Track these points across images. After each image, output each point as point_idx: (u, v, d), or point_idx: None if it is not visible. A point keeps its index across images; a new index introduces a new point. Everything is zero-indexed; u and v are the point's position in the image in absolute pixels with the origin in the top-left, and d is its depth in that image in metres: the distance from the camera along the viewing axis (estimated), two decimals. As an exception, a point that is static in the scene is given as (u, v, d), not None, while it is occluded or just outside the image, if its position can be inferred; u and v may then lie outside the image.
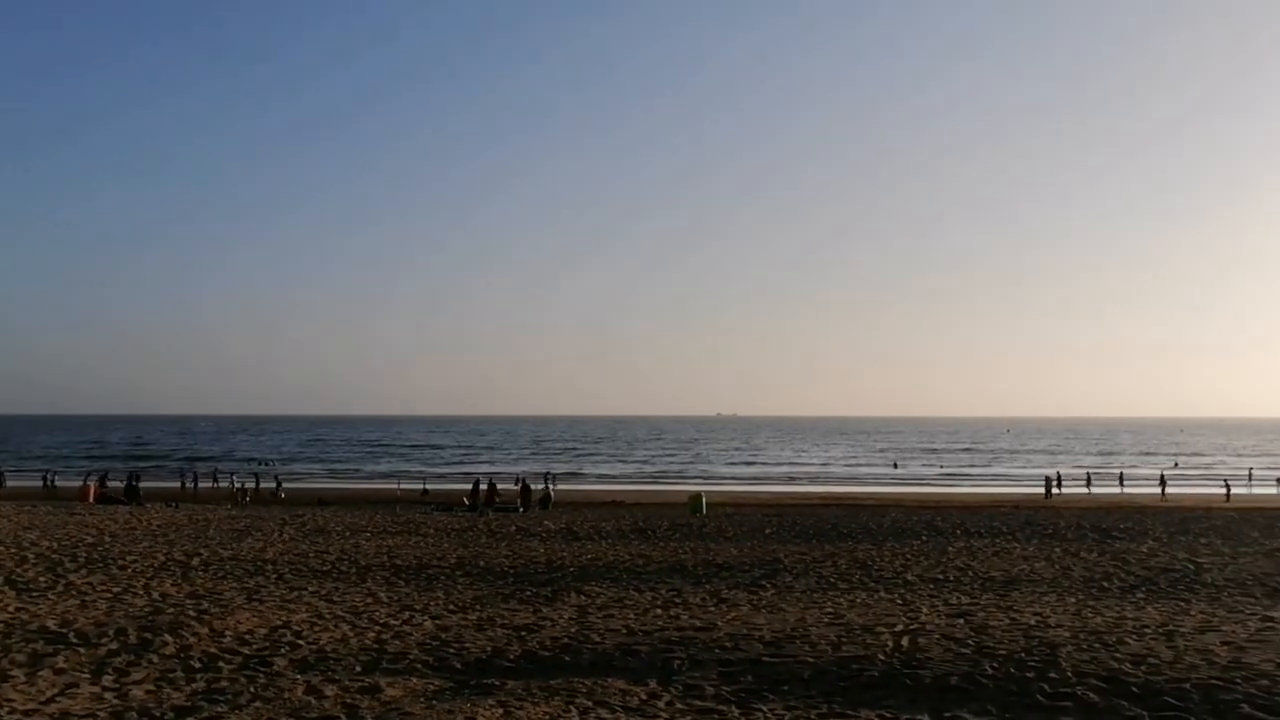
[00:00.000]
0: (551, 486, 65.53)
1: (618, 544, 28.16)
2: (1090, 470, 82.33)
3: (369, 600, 17.75)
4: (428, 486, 63.71)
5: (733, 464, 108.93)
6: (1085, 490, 66.80)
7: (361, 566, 22.71)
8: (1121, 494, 63.71)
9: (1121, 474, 77.63)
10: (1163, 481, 67.42)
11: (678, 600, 17.81)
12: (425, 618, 15.92)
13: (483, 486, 47.49)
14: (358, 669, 12.24)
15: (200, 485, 63.15)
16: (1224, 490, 61.39)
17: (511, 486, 55.11)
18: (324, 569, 22.28)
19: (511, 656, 13.05)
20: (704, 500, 44.13)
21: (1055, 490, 62.87)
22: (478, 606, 17.09)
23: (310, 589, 19.04)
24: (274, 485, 60.68)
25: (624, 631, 14.70)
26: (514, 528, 33.83)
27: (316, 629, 14.76)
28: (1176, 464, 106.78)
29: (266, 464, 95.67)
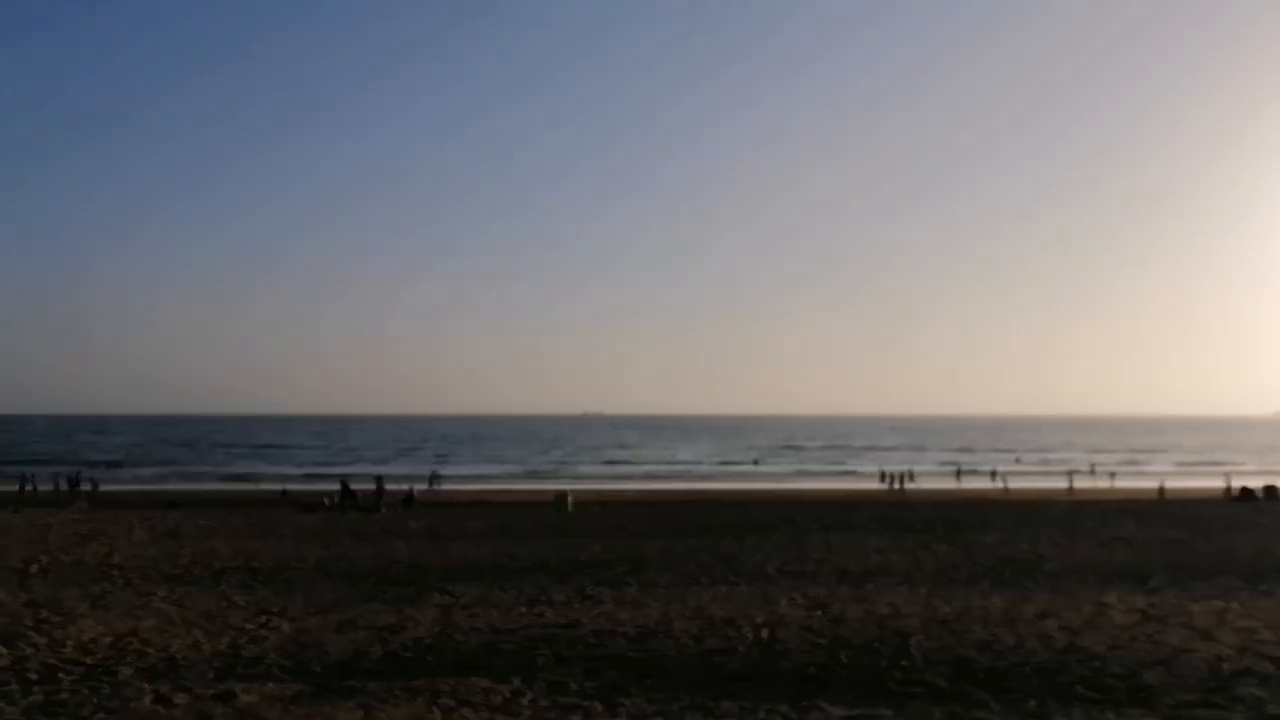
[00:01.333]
0: (436, 486, 64.89)
1: (482, 543, 28.00)
2: (957, 465, 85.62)
3: (224, 604, 17.25)
4: (287, 488, 61.98)
5: (600, 462, 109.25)
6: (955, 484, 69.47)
7: (216, 570, 22.05)
8: (958, 488, 66.25)
9: (959, 469, 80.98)
10: (994, 475, 72.21)
11: (542, 598, 17.84)
12: (283, 621, 15.57)
13: (357, 487, 46.53)
14: (210, 676, 11.91)
15: (40, 488, 59.94)
16: (1066, 484, 64.47)
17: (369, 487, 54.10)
18: (175, 573, 21.55)
19: (373, 658, 12.90)
20: (570, 498, 44.17)
21: (899, 485, 65.02)
22: (338, 608, 16.79)
23: (160, 594, 18.40)
24: (85, 487, 57.96)
25: (488, 630, 14.68)
26: (377, 528, 33.29)
27: (166, 635, 14.29)
28: (1019, 459, 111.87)
29: (106, 466, 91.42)
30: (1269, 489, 50.97)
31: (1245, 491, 50.21)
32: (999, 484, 67.14)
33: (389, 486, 48.64)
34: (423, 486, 64.56)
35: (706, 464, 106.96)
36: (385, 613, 16.34)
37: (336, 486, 48.43)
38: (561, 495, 44.99)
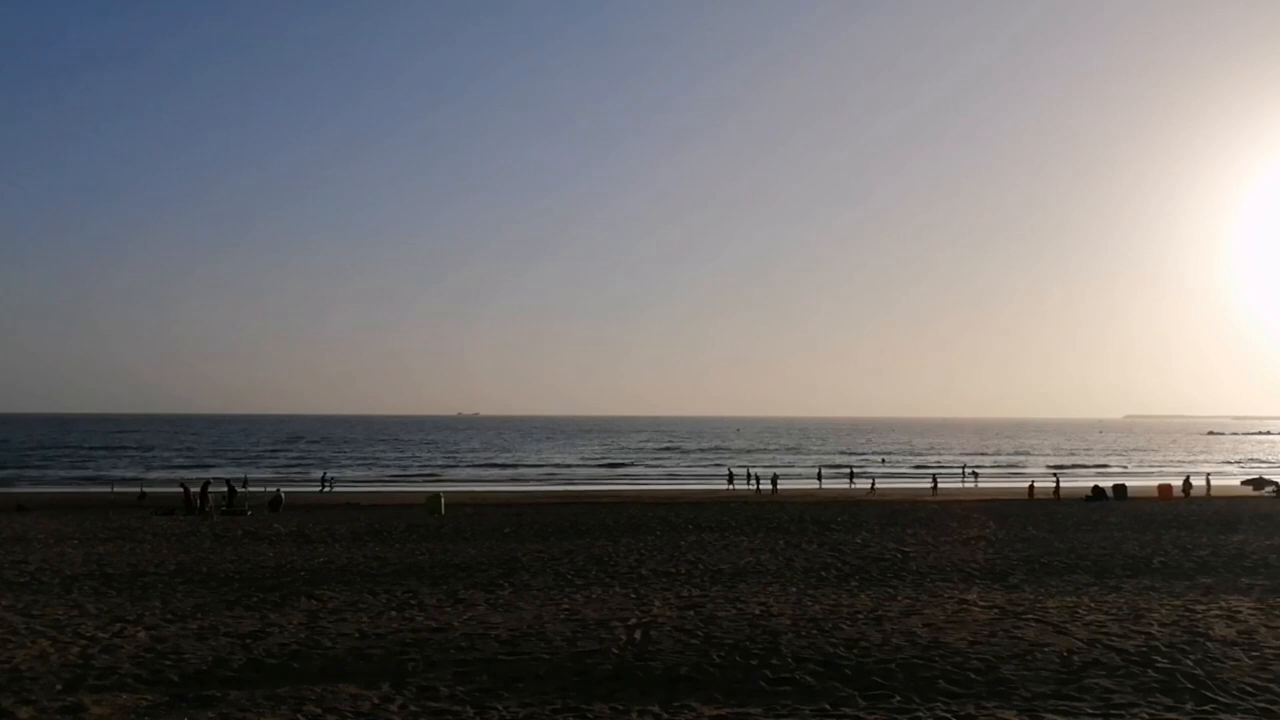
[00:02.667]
0: (328, 488, 63.31)
1: (352, 546, 27.40)
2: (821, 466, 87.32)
3: (74, 612, 16.45)
4: (146, 490, 59.58)
5: (474, 464, 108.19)
6: (817, 485, 70.75)
7: (66, 576, 21.03)
8: (819, 488, 67.75)
9: (851, 470, 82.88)
10: (851, 476, 75.26)
11: (413, 602, 17.53)
12: (139, 629, 14.93)
13: (215, 489, 44.96)
14: (59, 687, 11.32)
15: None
16: (931, 484, 66.53)
17: (241, 490, 52.43)
18: (21, 580, 20.48)
19: (235, 666, 12.45)
20: (442, 500, 43.61)
21: (770, 487, 66.25)
22: (199, 615, 16.19)
23: (4, 603, 17.44)
24: None
25: (356, 635, 14.34)
26: (240, 532, 32.27)
27: (10, 646, 13.54)
28: (884, 460, 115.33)
29: None
30: (1118, 488, 53.55)
31: (1097, 490, 52.60)
32: (866, 485, 68.94)
33: (254, 489, 47.24)
34: (315, 489, 63.13)
35: (582, 466, 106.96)
36: (248, 618, 15.82)
37: (197, 489, 46.69)
38: (434, 497, 44.37)
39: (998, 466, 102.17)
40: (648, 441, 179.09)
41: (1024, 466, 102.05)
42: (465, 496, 55.75)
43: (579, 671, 12.08)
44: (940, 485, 65.33)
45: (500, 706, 10.54)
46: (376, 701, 10.74)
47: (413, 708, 10.51)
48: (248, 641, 13.89)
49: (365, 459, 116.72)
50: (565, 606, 16.86)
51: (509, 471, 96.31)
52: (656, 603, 17.16)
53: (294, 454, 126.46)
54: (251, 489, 57.07)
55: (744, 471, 72.39)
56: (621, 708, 10.50)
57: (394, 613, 16.37)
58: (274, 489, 52.10)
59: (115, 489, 63.05)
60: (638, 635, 14.16)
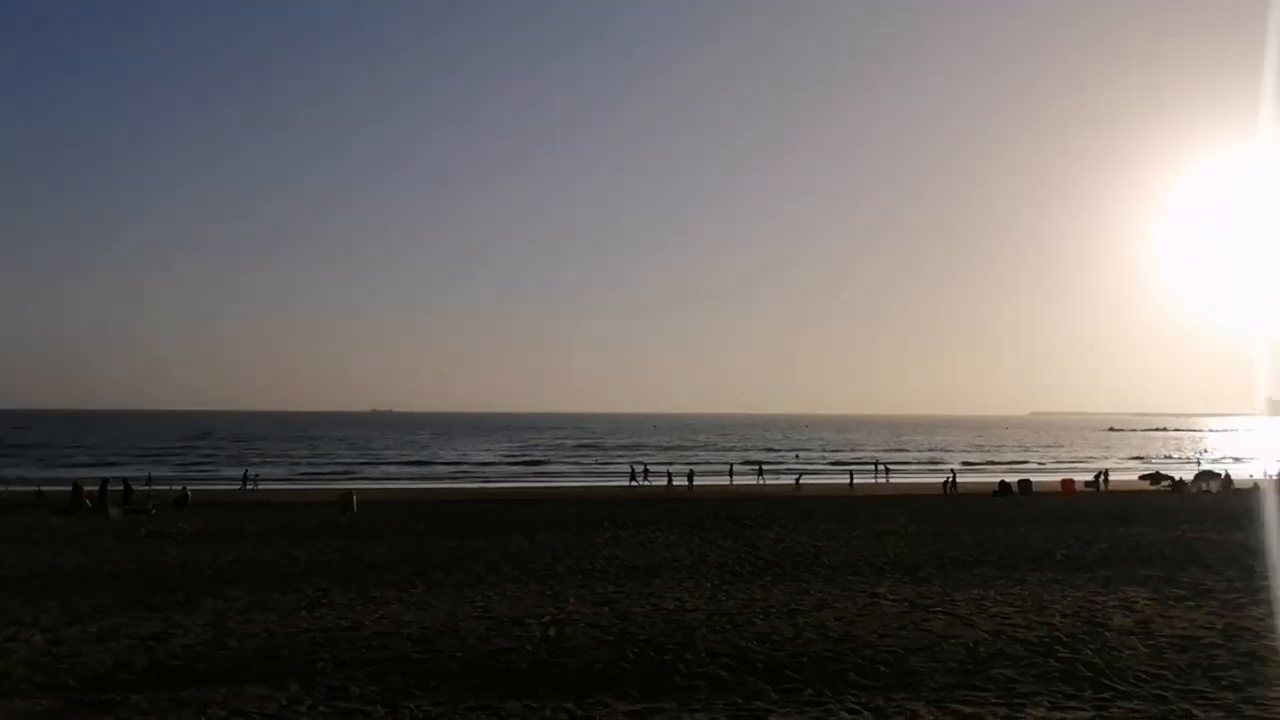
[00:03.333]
0: (251, 486, 61.87)
1: (261, 545, 26.82)
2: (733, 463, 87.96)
3: (-36, 616, 15.82)
4: (43, 488, 57.58)
5: (388, 461, 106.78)
6: (727, 481, 71.24)
7: (-44, 579, 20.22)
8: (730, 485, 68.31)
9: (760, 466, 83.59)
10: (760, 471, 76.83)
11: (324, 600, 17.23)
12: (34, 632, 14.42)
13: (114, 488, 43.66)
14: (-52, 694, 10.88)
15: None
16: (848, 479, 67.53)
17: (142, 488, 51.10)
18: (-91, 583, 19.64)
19: (137, 669, 12.11)
20: (355, 498, 42.91)
21: (642, 482, 66.95)
22: (98, 616, 15.69)
23: (-110, 606, 16.71)
24: None
25: (264, 635, 14.05)
26: (144, 531, 31.39)
27: (-104, 651, 12.97)
28: (798, 455, 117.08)
29: None
30: (1023, 483, 54.97)
31: (1003, 485, 53.90)
32: (776, 481, 69.77)
33: (158, 488, 45.98)
34: (235, 487, 61.80)
35: (498, 463, 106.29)
36: (151, 620, 15.38)
37: (94, 487, 45.29)
38: (346, 495, 43.64)
39: (912, 463, 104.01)
40: (566, 439, 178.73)
41: (941, 462, 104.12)
42: (379, 494, 55.01)
43: (493, 669, 12.00)
44: (856, 480, 66.44)
45: (412, 705, 10.42)
46: (284, 703, 10.53)
47: (322, 708, 10.33)
48: (150, 643, 13.51)
49: (277, 456, 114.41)
50: (479, 604, 16.73)
51: (423, 469, 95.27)
52: (571, 599, 17.12)
53: (203, 451, 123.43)
54: (156, 487, 55.50)
55: (642, 468, 72.62)
56: (536, 705, 10.45)
57: (304, 612, 16.07)
58: (179, 487, 50.75)
59: (10, 488, 60.79)
60: (552, 632, 14.12)
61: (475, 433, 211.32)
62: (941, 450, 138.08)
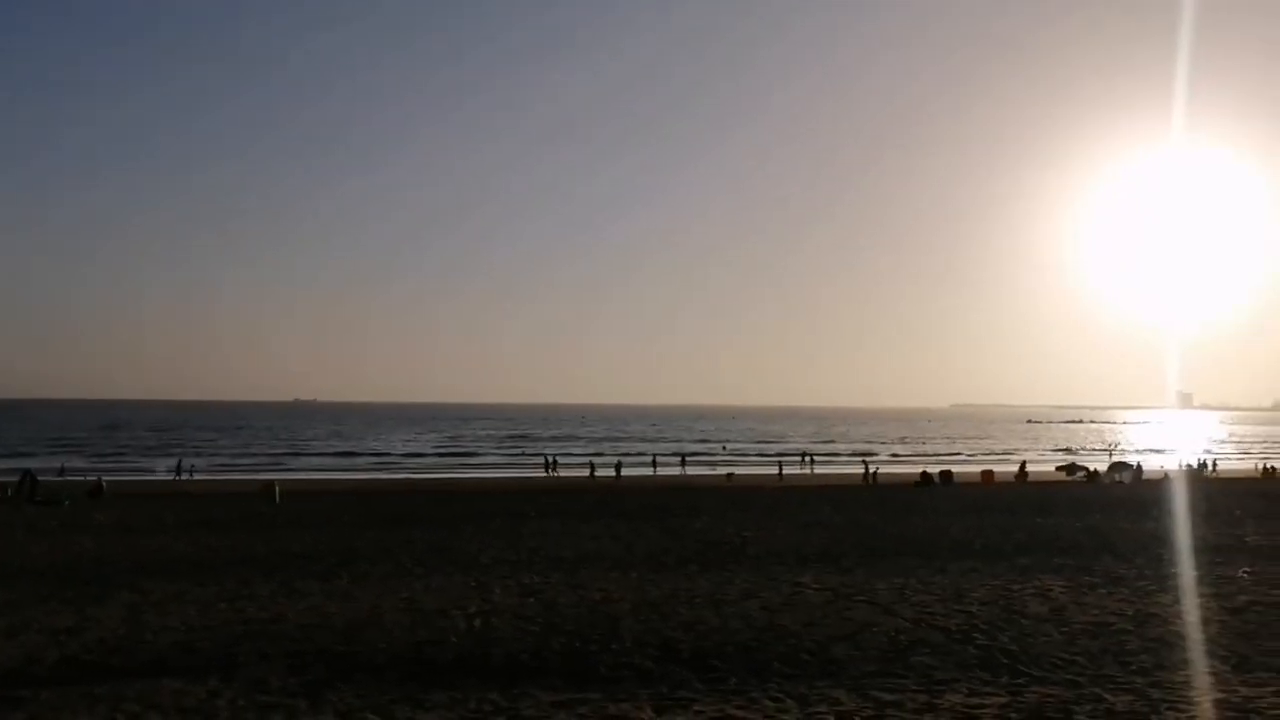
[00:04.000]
0: (186, 475, 60.69)
1: (181, 536, 26.29)
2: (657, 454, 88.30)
3: None
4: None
5: (313, 452, 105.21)
6: (651, 471, 71.53)
7: None
8: (653, 474, 68.76)
9: (683, 456, 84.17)
10: (683, 463, 78.85)
11: (245, 593, 16.94)
12: (-60, 627, 13.96)
13: (8, 480, 42.42)
14: None
15: None
16: (777, 470, 68.20)
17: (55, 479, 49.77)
18: None
19: (48, 664, 11.80)
20: (279, 489, 42.27)
21: (552, 473, 67.35)
22: (7, 611, 15.24)
23: None
24: None
25: (183, 628, 13.79)
26: (56, 523, 30.57)
27: None
28: (725, 447, 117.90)
29: None
30: (945, 474, 56.02)
31: (925, 476, 54.85)
32: (706, 472, 70.29)
33: (73, 478, 44.81)
34: (153, 478, 60.54)
35: (425, 454, 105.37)
36: (63, 613, 14.99)
37: (16, 479, 43.97)
38: (269, 485, 42.96)
39: (840, 454, 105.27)
40: (495, 430, 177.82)
41: (868, 454, 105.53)
42: (303, 485, 54.26)
43: (418, 661, 11.92)
44: (785, 471, 67.26)
45: (335, 698, 10.31)
46: (203, 696, 10.35)
47: (241, 702, 10.17)
48: (62, 638, 13.18)
49: (197, 446, 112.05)
50: (404, 595, 16.58)
51: (349, 460, 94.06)
52: (497, 591, 17.05)
53: (121, 441, 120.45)
54: (70, 478, 54.04)
55: (552, 458, 72.93)
56: (460, 696, 10.40)
57: (224, 604, 15.79)
58: (94, 477, 49.49)
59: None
60: (478, 623, 14.07)
61: (403, 423, 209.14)
62: (866, 442, 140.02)
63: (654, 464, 76.38)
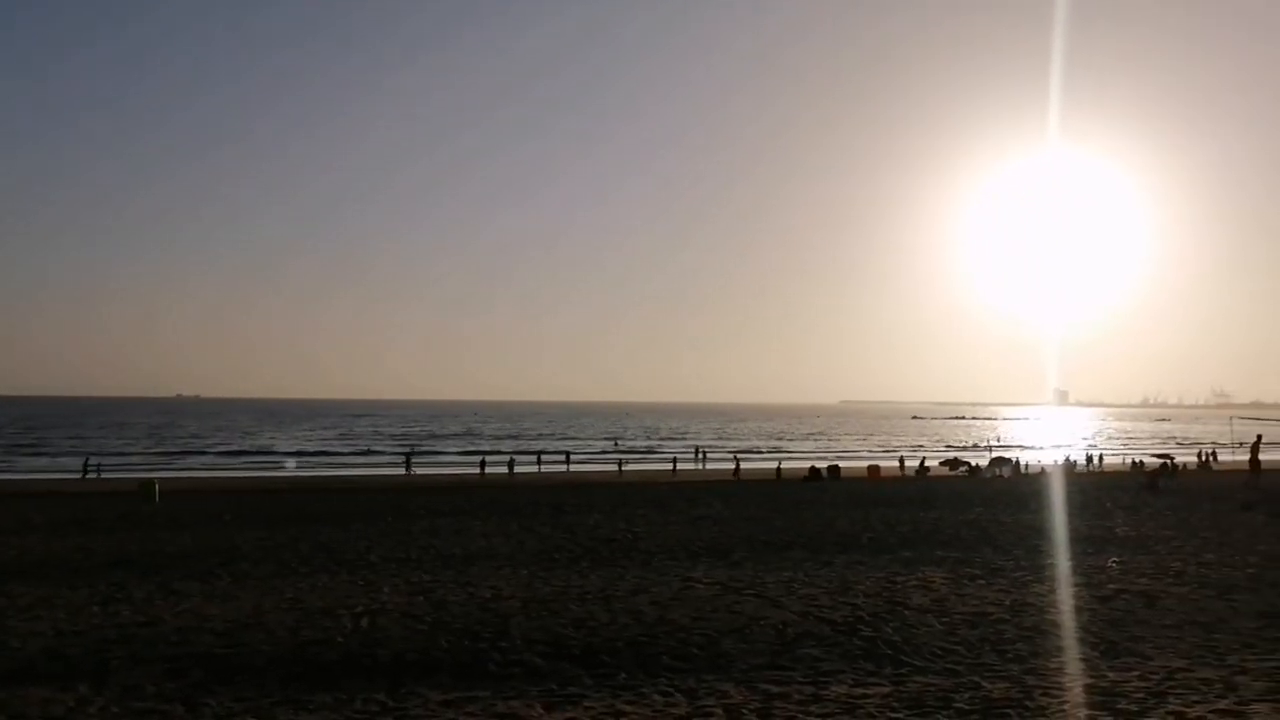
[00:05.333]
0: (94, 474, 58.50)
1: (50, 537, 25.23)
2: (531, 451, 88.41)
3: None
4: None
5: (195, 450, 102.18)
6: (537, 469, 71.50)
7: None
8: (539, 471, 68.89)
9: (568, 454, 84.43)
10: (568, 460, 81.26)
11: (119, 595, 16.34)
12: None
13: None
14: None
15: None
16: (671, 466, 68.68)
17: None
18: None
19: (-98, 673, 11.18)
20: (157, 487, 40.94)
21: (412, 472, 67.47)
22: None
23: None
24: None
25: (51, 634, 13.22)
26: (-83, 524, 29.02)
27: None
28: (616, 443, 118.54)
29: None
30: (833, 468, 57.15)
31: (814, 471, 55.87)
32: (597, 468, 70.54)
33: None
34: (12, 478, 58.08)
35: (313, 451, 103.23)
36: (-79, 620, 14.25)
37: None
38: (148, 484, 41.61)
39: (733, 450, 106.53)
40: (387, 426, 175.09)
41: (763, 451, 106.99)
42: (184, 483, 52.69)
43: (302, 661, 11.65)
44: (678, 467, 67.83)
45: (214, 702, 9.99)
46: (72, 704, 9.93)
47: (114, 709, 9.79)
48: (-81, 646, 12.52)
49: (71, 441, 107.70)
50: (288, 595, 16.19)
51: (232, 458, 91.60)
52: (385, 589, 16.78)
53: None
54: None
55: (412, 448, 72.92)
56: (346, 697, 10.19)
57: (97, 608, 15.19)
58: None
59: None
60: (365, 622, 13.82)
61: (290, 420, 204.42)
62: (760, 438, 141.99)
63: (539, 460, 76.36)
